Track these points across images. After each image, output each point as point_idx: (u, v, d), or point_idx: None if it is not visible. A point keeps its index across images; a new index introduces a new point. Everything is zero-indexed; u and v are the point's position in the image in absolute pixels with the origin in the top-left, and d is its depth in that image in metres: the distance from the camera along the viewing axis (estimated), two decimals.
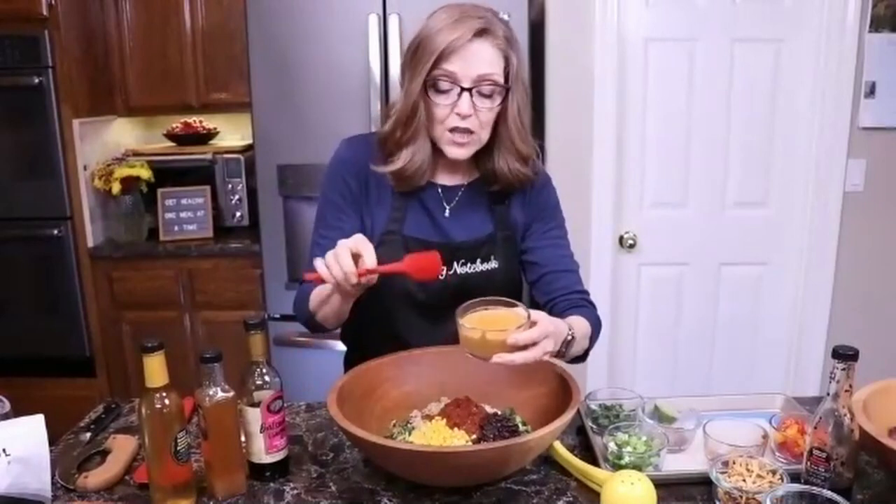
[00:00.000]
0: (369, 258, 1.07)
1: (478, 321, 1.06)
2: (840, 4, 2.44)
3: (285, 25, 2.40)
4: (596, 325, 1.30)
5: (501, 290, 1.22)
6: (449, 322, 1.26)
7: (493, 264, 1.32)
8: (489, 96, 1.20)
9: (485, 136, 1.24)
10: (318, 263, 1.08)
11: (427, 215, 1.32)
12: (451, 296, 1.25)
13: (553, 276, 1.34)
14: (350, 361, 1.45)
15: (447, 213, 1.33)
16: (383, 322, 1.34)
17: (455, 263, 1.30)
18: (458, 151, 1.24)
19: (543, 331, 1.03)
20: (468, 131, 1.21)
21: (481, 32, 1.17)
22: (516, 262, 1.36)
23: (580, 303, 1.32)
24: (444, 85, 1.19)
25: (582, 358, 1.26)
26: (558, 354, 1.13)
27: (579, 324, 1.21)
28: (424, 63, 1.18)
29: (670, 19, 2.53)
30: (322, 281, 1.09)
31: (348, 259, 1.05)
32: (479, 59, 1.17)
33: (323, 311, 1.23)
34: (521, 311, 1.07)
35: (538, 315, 1.07)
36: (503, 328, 1.03)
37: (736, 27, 2.52)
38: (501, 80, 1.20)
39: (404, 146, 1.25)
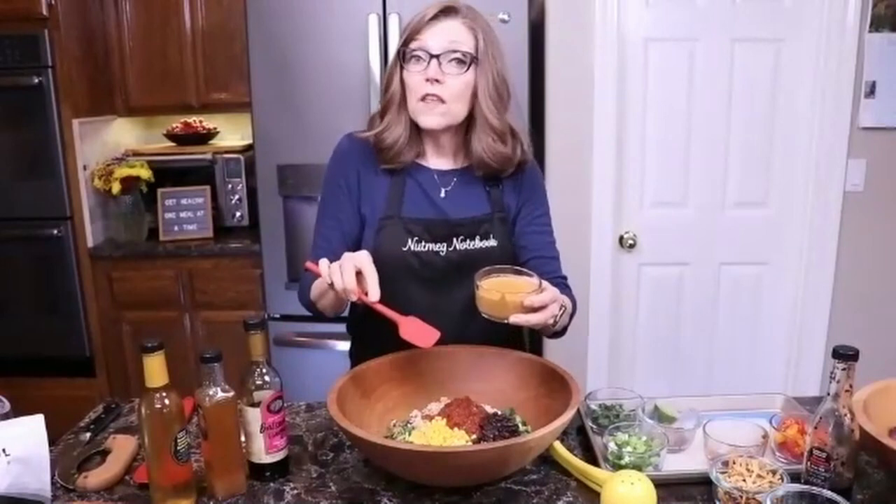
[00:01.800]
0: (373, 288, 1.10)
1: (495, 285, 1.15)
2: (840, 4, 2.44)
3: (285, 25, 2.40)
4: (575, 307, 1.37)
5: None
6: (450, 296, 1.34)
7: (491, 242, 1.36)
8: (458, 64, 1.27)
9: (457, 109, 1.30)
10: (323, 266, 1.12)
11: (425, 196, 1.36)
12: (451, 271, 1.34)
13: (539, 261, 1.39)
14: (356, 352, 1.48)
15: (443, 194, 1.37)
16: (385, 300, 1.34)
17: (455, 239, 1.34)
18: (430, 119, 1.30)
19: (553, 296, 1.14)
20: (439, 100, 1.27)
21: (448, 10, 1.28)
22: (511, 243, 1.40)
23: (563, 285, 1.38)
24: (416, 54, 1.27)
25: (561, 333, 1.33)
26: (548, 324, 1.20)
27: (566, 300, 1.29)
28: (401, 40, 1.30)
29: (670, 19, 2.53)
30: (320, 274, 1.14)
31: (351, 276, 1.09)
32: (447, 31, 1.27)
33: (322, 302, 1.28)
34: (533, 278, 1.17)
35: (545, 283, 1.16)
36: (517, 292, 1.12)
37: (736, 27, 2.52)
38: (470, 50, 1.27)
39: (383, 115, 1.34)
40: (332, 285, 1.11)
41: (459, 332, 1.34)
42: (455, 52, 1.26)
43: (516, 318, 1.12)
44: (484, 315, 1.17)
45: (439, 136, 1.35)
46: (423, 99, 1.28)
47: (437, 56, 1.26)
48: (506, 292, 1.13)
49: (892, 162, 2.56)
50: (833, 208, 2.59)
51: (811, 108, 2.55)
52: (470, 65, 1.27)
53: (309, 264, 1.19)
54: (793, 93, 2.56)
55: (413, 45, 1.27)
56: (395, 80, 1.31)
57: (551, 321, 1.15)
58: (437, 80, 1.26)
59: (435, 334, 1.19)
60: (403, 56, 1.29)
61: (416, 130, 1.34)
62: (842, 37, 2.46)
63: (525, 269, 1.22)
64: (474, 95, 1.30)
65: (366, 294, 1.11)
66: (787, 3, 2.50)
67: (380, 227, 1.34)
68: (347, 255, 1.13)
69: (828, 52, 2.48)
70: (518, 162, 1.37)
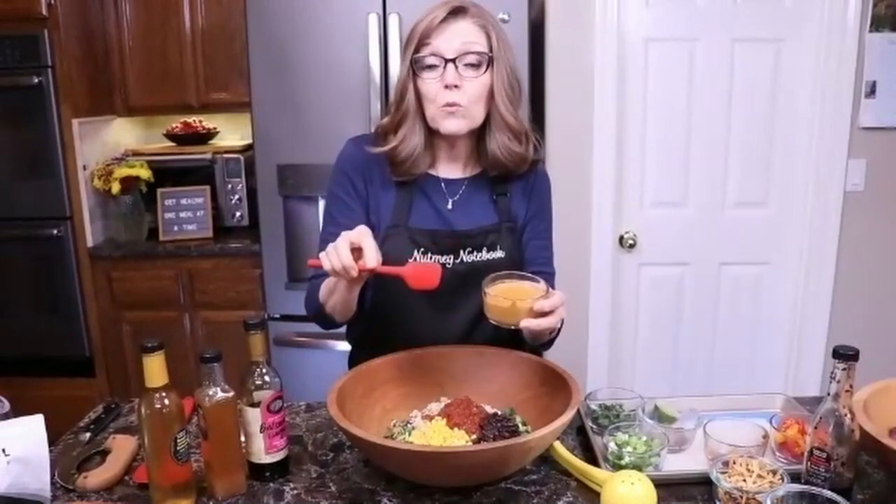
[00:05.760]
0: (369, 254, 1.09)
1: (503, 292, 1.15)
2: (840, 4, 2.44)
3: (285, 25, 2.40)
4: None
5: None
6: (457, 309, 1.33)
7: (498, 253, 1.34)
8: (474, 67, 1.24)
9: (476, 112, 1.27)
10: (322, 256, 1.12)
11: (431, 207, 1.34)
12: (457, 284, 1.31)
13: (539, 275, 1.36)
14: (355, 358, 1.46)
15: (450, 206, 1.35)
16: (390, 312, 1.35)
17: (462, 252, 1.32)
18: (452, 123, 1.26)
19: (561, 299, 1.13)
20: (458, 105, 1.24)
21: (457, 11, 1.24)
22: (519, 253, 1.38)
23: None
24: (430, 60, 1.24)
25: (547, 345, 1.34)
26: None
27: None
28: (410, 46, 1.25)
29: (670, 19, 2.53)
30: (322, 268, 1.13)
31: (347, 253, 1.08)
32: (459, 33, 1.23)
33: (331, 301, 1.26)
34: (540, 283, 1.17)
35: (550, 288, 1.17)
36: (525, 298, 1.12)
37: (736, 27, 2.52)
38: (485, 49, 1.24)
39: (397, 128, 1.30)
40: (335, 273, 1.10)
41: (465, 343, 1.34)
42: (470, 53, 1.22)
43: (527, 324, 1.11)
44: (493, 322, 1.16)
45: (456, 141, 1.32)
46: (444, 106, 1.24)
47: (453, 60, 1.22)
48: (518, 298, 1.12)
49: (892, 162, 2.56)
50: (833, 208, 2.59)
51: (811, 108, 2.55)
52: (487, 66, 1.24)
53: (311, 261, 1.16)
54: (793, 93, 2.56)
55: (425, 51, 1.23)
56: (409, 91, 1.26)
57: (559, 325, 1.15)
58: (455, 86, 1.22)
59: (436, 269, 1.17)
60: (415, 63, 1.24)
61: (430, 138, 1.31)
62: (842, 37, 2.46)
63: (529, 274, 1.21)
64: (490, 95, 1.27)
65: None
66: (787, 3, 2.50)
67: (385, 237, 1.31)
68: (343, 234, 1.11)
69: (828, 52, 2.48)
70: (530, 161, 1.35)
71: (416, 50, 1.24)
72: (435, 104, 1.25)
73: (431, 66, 1.24)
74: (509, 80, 1.27)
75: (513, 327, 1.14)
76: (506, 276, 1.19)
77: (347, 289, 1.19)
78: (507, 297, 1.12)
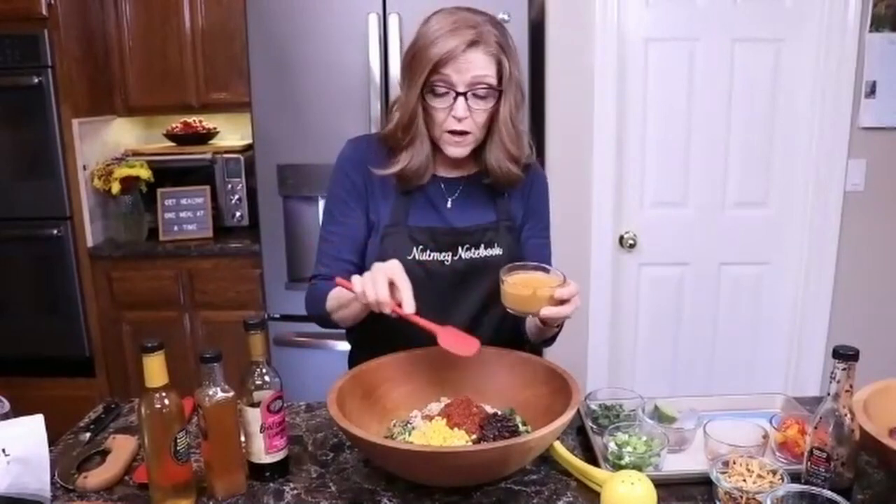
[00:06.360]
0: (407, 300, 1.10)
1: (521, 281, 1.16)
2: (840, 4, 2.44)
3: (285, 25, 2.40)
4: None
5: None
6: (455, 306, 1.34)
7: (496, 251, 1.35)
8: (483, 98, 1.24)
9: (480, 134, 1.29)
10: (355, 280, 1.13)
11: (431, 206, 1.36)
12: (456, 281, 1.32)
13: None
14: (355, 358, 1.47)
15: (449, 204, 1.36)
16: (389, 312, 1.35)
17: (460, 248, 1.33)
18: (457, 151, 1.29)
19: (577, 288, 1.15)
20: (465, 132, 1.26)
21: (473, 43, 1.21)
22: (518, 251, 1.39)
23: None
24: (440, 89, 1.23)
25: (550, 341, 1.37)
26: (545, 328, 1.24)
27: None
28: (420, 72, 1.23)
29: (670, 19, 2.53)
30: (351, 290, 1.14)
31: (385, 289, 1.10)
32: (472, 66, 1.22)
33: (341, 313, 1.27)
34: (557, 274, 1.19)
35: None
36: (543, 287, 1.14)
37: (736, 27, 2.52)
38: (495, 82, 1.24)
39: (404, 149, 1.30)
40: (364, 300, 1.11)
41: None
42: (480, 85, 1.22)
43: (547, 312, 1.13)
44: (510, 311, 1.17)
45: None
46: (451, 133, 1.26)
47: (464, 94, 1.22)
48: (538, 287, 1.14)
49: (892, 162, 2.56)
50: (833, 208, 2.59)
51: (811, 108, 2.55)
52: (497, 99, 1.25)
53: (339, 280, 1.17)
54: (793, 93, 2.56)
55: (435, 78, 1.22)
56: (418, 114, 1.26)
57: (573, 314, 1.16)
58: (464, 118, 1.24)
59: (475, 343, 1.19)
60: (425, 88, 1.24)
61: (433, 147, 1.32)
62: (842, 37, 2.46)
63: (543, 265, 1.23)
64: (494, 117, 1.28)
65: (399, 306, 1.11)
66: (787, 3, 2.50)
67: (384, 236, 1.33)
68: (378, 266, 1.12)
69: (828, 52, 2.48)
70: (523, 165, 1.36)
71: (428, 76, 1.23)
72: (441, 129, 1.26)
73: (441, 95, 1.24)
74: (515, 97, 1.27)
75: (531, 316, 1.15)
76: (520, 266, 1.21)
77: (363, 309, 1.20)
78: (526, 285, 1.14)
